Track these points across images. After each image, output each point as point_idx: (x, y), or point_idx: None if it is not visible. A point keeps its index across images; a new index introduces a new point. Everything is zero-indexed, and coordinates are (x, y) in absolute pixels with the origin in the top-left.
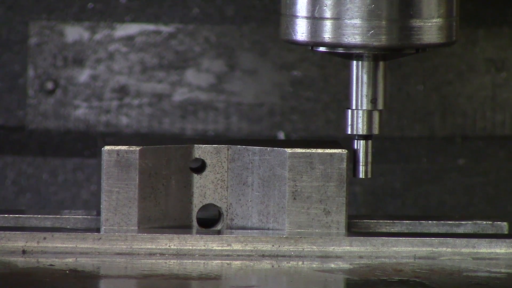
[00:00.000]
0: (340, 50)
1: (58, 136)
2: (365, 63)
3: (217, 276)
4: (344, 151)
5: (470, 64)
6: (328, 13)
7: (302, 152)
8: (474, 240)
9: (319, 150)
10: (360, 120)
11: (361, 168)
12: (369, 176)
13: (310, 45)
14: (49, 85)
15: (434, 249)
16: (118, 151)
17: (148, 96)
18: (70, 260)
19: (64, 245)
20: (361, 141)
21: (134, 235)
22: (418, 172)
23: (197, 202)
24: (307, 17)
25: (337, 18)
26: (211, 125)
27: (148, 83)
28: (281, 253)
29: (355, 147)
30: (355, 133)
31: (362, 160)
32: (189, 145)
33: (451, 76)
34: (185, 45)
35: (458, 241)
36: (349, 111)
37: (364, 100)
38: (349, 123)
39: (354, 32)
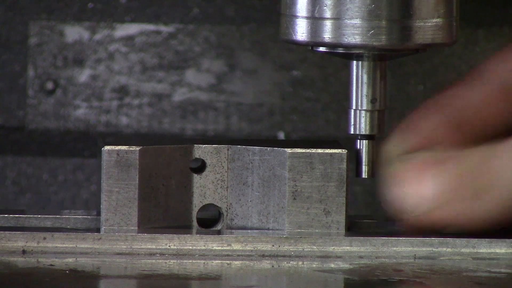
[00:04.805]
0: (340, 50)
1: (58, 136)
2: (365, 63)
3: (217, 276)
4: (344, 151)
5: (470, 64)
6: (328, 13)
7: (302, 152)
8: (474, 240)
9: (319, 150)
10: (363, 120)
11: (364, 168)
12: (372, 176)
13: (310, 45)
14: (49, 85)
15: (434, 249)
16: (118, 151)
17: (148, 96)
18: (70, 260)
19: (64, 245)
20: (364, 141)
21: (134, 235)
22: None
23: (197, 202)
24: (307, 17)
25: (337, 18)
26: (211, 125)
27: (148, 83)
28: (281, 253)
29: (358, 147)
30: (357, 133)
31: (365, 160)
32: (189, 145)
33: (451, 76)
34: (185, 45)
35: (458, 241)
36: (352, 111)
37: (364, 100)
38: (352, 123)
39: (354, 32)
